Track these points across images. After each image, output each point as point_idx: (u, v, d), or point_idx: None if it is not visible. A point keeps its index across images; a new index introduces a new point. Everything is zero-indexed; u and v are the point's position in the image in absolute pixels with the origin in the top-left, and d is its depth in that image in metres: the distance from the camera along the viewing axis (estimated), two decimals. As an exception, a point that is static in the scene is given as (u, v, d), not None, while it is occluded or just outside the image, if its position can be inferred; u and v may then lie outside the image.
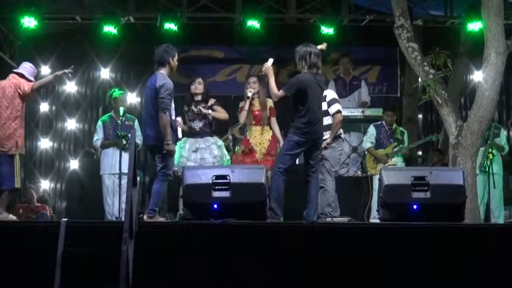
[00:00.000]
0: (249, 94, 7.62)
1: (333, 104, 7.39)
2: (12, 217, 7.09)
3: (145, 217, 6.41)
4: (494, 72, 7.22)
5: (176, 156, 7.27)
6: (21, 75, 7.38)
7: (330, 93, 7.56)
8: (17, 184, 7.10)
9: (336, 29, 10.18)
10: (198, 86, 7.75)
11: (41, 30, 10.38)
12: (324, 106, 7.16)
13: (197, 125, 7.68)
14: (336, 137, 7.34)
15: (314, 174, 6.61)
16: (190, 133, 7.73)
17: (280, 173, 6.46)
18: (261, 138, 7.64)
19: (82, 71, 11.82)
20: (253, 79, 7.80)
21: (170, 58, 6.57)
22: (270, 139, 7.63)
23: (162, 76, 6.50)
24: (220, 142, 7.77)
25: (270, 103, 7.64)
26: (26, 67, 7.52)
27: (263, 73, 6.82)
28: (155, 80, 6.48)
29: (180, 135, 7.48)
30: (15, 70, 7.54)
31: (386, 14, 9.88)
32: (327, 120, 7.22)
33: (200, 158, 7.53)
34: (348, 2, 10.45)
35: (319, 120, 6.62)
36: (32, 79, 7.45)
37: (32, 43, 11.20)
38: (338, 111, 7.37)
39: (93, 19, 10.29)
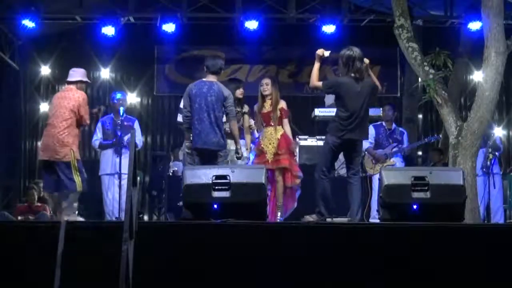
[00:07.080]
0: (266, 93, 7.66)
1: None
2: (79, 218, 7.31)
3: None
4: (494, 72, 7.21)
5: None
6: (76, 82, 7.45)
7: None
8: (79, 188, 7.25)
9: (336, 29, 10.20)
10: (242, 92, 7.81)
11: (41, 30, 10.39)
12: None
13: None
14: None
15: (355, 176, 6.84)
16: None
17: (321, 176, 6.74)
18: (271, 138, 7.61)
19: (82, 71, 11.82)
20: (266, 81, 7.79)
21: (223, 70, 7.08)
22: (279, 138, 7.61)
23: (223, 86, 6.93)
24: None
25: (282, 104, 7.65)
26: (77, 72, 7.54)
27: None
28: (218, 89, 6.83)
29: None
30: (69, 80, 7.53)
31: (386, 14, 9.89)
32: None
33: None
34: (348, 2, 10.46)
35: (353, 122, 6.70)
36: (86, 79, 7.61)
37: (32, 43, 11.21)
38: None
39: (93, 19, 10.29)
